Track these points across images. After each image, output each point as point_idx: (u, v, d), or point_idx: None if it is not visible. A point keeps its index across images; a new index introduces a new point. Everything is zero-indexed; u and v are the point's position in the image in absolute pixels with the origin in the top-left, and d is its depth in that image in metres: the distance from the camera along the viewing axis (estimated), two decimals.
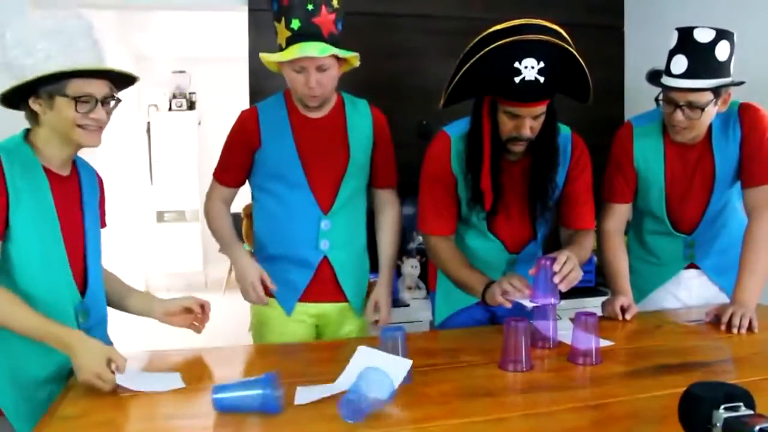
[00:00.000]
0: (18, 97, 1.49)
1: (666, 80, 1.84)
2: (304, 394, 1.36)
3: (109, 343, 1.62)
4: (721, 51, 1.79)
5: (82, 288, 1.56)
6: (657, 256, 2.12)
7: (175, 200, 6.41)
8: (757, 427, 0.90)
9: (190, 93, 6.57)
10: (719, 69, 1.80)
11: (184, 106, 6.53)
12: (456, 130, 1.90)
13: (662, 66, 1.88)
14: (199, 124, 6.52)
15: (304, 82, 1.82)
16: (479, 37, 1.73)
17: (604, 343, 1.64)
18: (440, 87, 1.86)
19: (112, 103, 1.54)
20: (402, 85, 3.23)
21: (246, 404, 1.27)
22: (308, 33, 1.77)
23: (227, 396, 1.28)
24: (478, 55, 1.69)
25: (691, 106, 1.82)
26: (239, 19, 3.25)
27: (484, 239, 1.95)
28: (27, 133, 1.54)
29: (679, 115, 1.84)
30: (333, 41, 1.80)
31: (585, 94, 1.82)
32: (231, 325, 4.50)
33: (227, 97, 6.14)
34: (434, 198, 1.91)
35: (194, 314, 1.71)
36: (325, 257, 1.96)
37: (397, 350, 1.42)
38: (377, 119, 2.04)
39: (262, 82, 3.03)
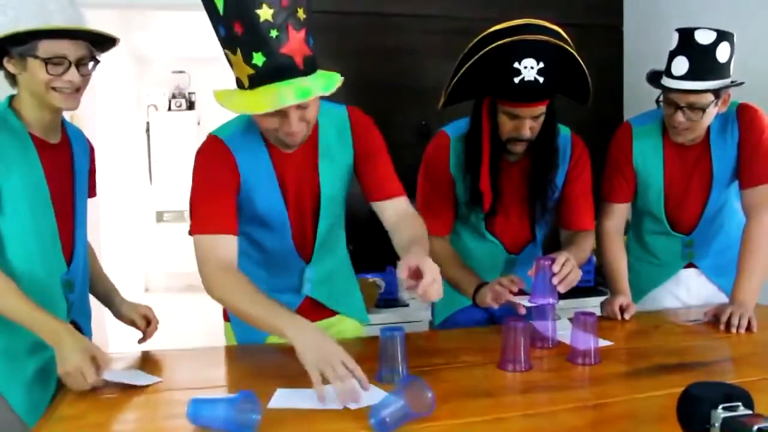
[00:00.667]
0: None
1: (667, 82, 1.84)
2: (282, 399, 1.34)
3: (90, 335, 1.64)
4: (722, 52, 1.79)
5: (69, 259, 1.56)
6: (656, 255, 2.12)
7: (175, 200, 6.41)
8: (756, 427, 0.90)
9: (189, 93, 6.57)
10: (720, 70, 1.80)
11: (184, 106, 6.53)
12: (455, 130, 1.90)
13: (661, 66, 1.89)
14: (199, 124, 6.51)
15: (281, 125, 1.43)
16: (478, 38, 1.73)
17: (603, 343, 1.64)
18: (440, 87, 1.86)
19: (90, 64, 1.50)
20: (402, 85, 3.23)
21: (220, 426, 1.17)
22: (278, 69, 1.33)
23: (201, 416, 1.19)
24: (477, 56, 1.69)
25: (692, 107, 1.82)
26: None
27: (482, 240, 1.95)
28: (11, 99, 1.52)
29: (680, 117, 1.85)
30: (310, 67, 1.38)
31: (584, 95, 1.82)
32: None
33: None
34: (431, 198, 1.91)
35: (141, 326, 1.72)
36: (307, 296, 1.75)
37: (396, 351, 1.42)
38: (356, 128, 1.66)
39: None
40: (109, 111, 5.09)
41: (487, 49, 1.67)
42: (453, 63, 1.86)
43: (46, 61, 1.42)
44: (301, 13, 1.35)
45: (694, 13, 2.88)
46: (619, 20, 3.57)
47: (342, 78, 1.43)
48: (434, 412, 1.27)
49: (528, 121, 1.73)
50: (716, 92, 1.81)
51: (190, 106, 6.56)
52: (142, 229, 6.53)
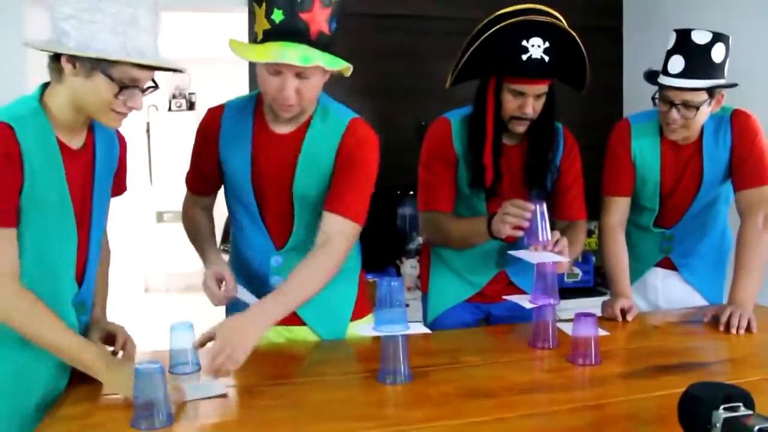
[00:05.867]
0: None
1: (663, 79, 1.88)
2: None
3: None
4: (717, 53, 1.83)
5: (80, 278, 1.43)
6: (636, 247, 2.13)
7: (175, 200, 6.31)
8: (757, 428, 0.91)
9: (189, 93, 6.57)
10: (714, 70, 1.84)
11: (184, 107, 6.53)
12: (455, 115, 1.96)
13: (660, 67, 1.91)
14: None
15: (278, 88, 1.49)
16: (487, 19, 1.81)
17: (601, 333, 1.65)
18: (439, 88, 1.88)
19: (149, 90, 1.37)
20: (400, 86, 3.23)
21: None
22: (291, 30, 1.42)
23: None
24: (488, 32, 1.76)
25: (687, 105, 1.85)
26: (239, 20, 3.26)
27: None
28: (42, 92, 1.34)
29: (674, 114, 1.88)
30: (322, 44, 1.46)
31: (581, 82, 1.86)
32: None
33: (227, 98, 6.12)
34: (437, 175, 1.93)
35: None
36: None
37: (397, 351, 1.43)
38: (349, 140, 1.62)
39: None
40: None
41: (498, 27, 1.75)
42: (452, 64, 1.87)
43: (121, 87, 1.29)
44: None
45: (692, 14, 2.88)
46: (619, 21, 3.58)
47: (351, 68, 1.51)
48: (435, 412, 1.28)
49: (531, 99, 1.79)
50: (710, 91, 1.84)
51: (191, 106, 6.56)
52: (142, 230, 6.53)
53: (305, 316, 1.72)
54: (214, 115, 1.71)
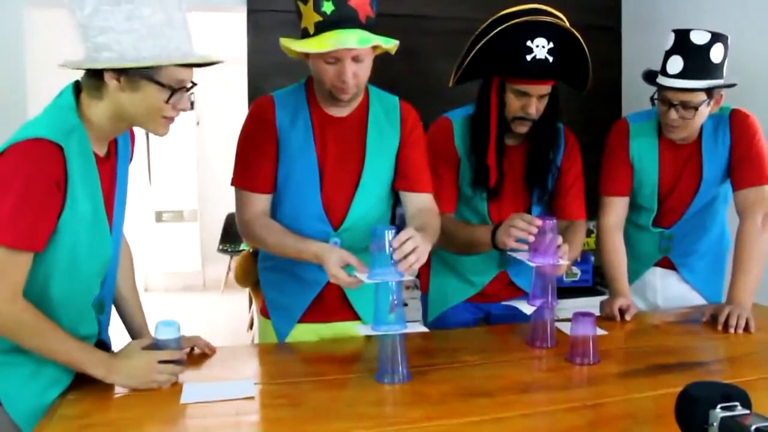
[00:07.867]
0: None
1: (662, 80, 1.88)
2: (191, 392, 1.38)
3: (109, 342, 1.54)
4: (716, 53, 1.83)
5: (101, 280, 1.43)
6: (634, 247, 2.13)
7: (174, 200, 6.39)
8: (754, 427, 0.91)
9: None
10: (713, 70, 1.84)
11: None
12: (456, 115, 1.96)
13: (658, 66, 1.91)
14: (198, 124, 6.51)
15: (337, 75, 1.57)
16: (492, 19, 1.81)
17: (599, 332, 1.65)
18: (439, 88, 1.88)
19: (192, 89, 1.37)
20: (401, 86, 3.19)
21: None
22: (343, 18, 1.51)
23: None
24: (493, 32, 1.76)
25: (685, 105, 1.86)
26: (238, 20, 3.26)
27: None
28: (77, 101, 1.31)
29: (673, 114, 1.88)
30: (370, 27, 1.56)
31: (583, 82, 1.86)
32: (230, 325, 4.51)
33: (226, 98, 6.13)
34: (439, 175, 1.92)
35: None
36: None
37: (396, 350, 1.43)
38: (405, 118, 1.78)
39: (261, 83, 3.04)
40: None
41: (503, 26, 1.74)
42: (452, 64, 1.88)
43: (173, 90, 1.29)
44: None
45: (690, 15, 2.89)
46: (617, 22, 3.58)
47: (397, 44, 1.61)
48: (433, 411, 1.28)
49: (534, 100, 1.79)
50: (709, 92, 1.85)
51: (190, 106, 6.56)
52: (141, 229, 6.53)
53: (361, 311, 1.79)
54: (266, 101, 1.72)
